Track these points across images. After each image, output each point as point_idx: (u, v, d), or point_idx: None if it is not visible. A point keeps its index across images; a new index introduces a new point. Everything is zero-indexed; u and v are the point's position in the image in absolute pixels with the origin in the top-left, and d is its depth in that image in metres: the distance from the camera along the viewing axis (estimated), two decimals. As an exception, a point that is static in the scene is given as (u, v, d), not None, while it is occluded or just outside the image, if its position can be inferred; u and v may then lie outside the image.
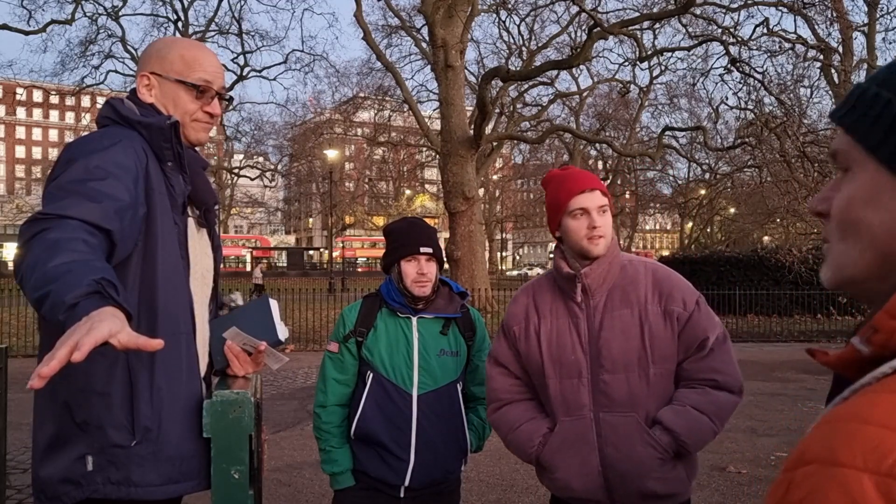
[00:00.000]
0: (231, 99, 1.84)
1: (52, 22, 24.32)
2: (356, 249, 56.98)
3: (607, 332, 1.91)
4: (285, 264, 56.42)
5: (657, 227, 67.25)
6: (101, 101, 39.90)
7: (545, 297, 2.04)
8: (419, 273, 2.28)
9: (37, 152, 74.00)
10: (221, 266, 1.91)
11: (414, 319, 2.32)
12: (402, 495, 2.28)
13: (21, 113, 67.48)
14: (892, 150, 0.60)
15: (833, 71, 20.75)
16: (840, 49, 21.21)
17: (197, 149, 1.79)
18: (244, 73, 29.23)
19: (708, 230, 42.06)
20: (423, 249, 2.29)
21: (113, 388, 1.50)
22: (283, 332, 1.74)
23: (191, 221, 1.67)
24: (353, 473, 2.32)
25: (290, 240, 75.35)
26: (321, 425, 2.34)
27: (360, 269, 45.41)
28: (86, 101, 36.40)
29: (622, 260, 2.00)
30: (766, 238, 33.10)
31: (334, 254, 46.62)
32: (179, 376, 1.58)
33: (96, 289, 1.17)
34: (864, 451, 0.50)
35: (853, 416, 0.53)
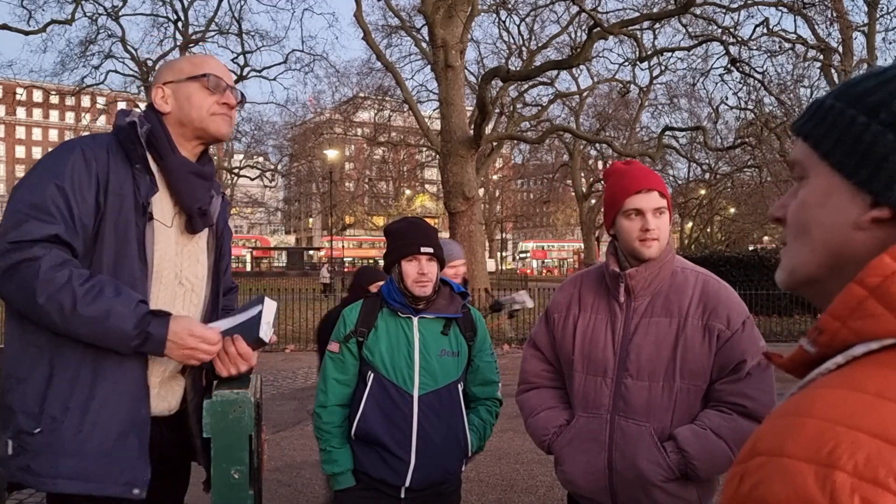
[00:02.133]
0: (243, 96, 1.85)
1: (52, 22, 24.29)
2: (343, 249, 56.69)
3: (640, 337, 1.88)
4: (285, 264, 56.38)
5: (657, 227, 67.09)
6: (101, 101, 39.95)
7: (590, 290, 2.02)
8: (420, 273, 2.27)
9: (37, 152, 74.00)
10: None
11: (415, 319, 2.32)
12: (402, 496, 2.27)
13: (21, 113, 67.49)
14: (842, 155, 0.65)
15: (833, 71, 20.75)
16: (840, 49, 21.21)
17: (226, 167, 1.84)
18: (244, 73, 29.20)
19: (708, 230, 42.06)
20: (423, 249, 2.28)
21: (33, 375, 1.55)
22: (266, 333, 1.71)
23: (157, 224, 1.68)
24: (353, 474, 2.31)
25: (290, 240, 75.28)
26: (322, 425, 2.34)
27: (345, 269, 45.49)
28: (86, 101, 36.45)
29: (674, 266, 1.94)
30: (766, 238, 33.12)
31: (322, 253, 46.48)
32: (110, 376, 1.58)
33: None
34: (806, 443, 0.54)
35: (797, 411, 0.57)
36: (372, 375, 2.28)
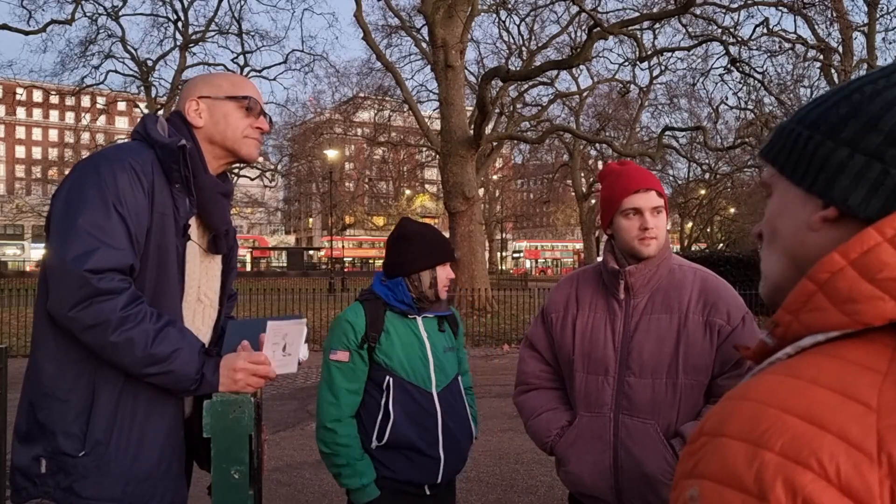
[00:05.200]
0: (271, 120, 1.87)
1: (52, 22, 24.33)
2: (343, 249, 56.54)
3: (641, 334, 1.88)
4: (285, 264, 56.38)
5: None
6: (101, 101, 39.93)
7: (588, 288, 2.02)
8: (448, 278, 2.33)
9: (37, 152, 73.96)
10: None
11: (419, 319, 2.33)
12: (427, 493, 2.28)
13: (21, 113, 67.54)
14: (792, 166, 0.71)
15: (833, 71, 20.75)
16: (840, 49, 21.22)
17: (232, 169, 1.83)
18: (244, 74, 29.20)
19: (708, 230, 42.06)
20: (454, 255, 2.35)
21: (74, 396, 1.52)
22: (303, 353, 1.75)
23: (192, 245, 1.68)
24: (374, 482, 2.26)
25: (290, 240, 75.26)
26: (340, 440, 2.22)
27: (345, 269, 45.39)
28: (86, 101, 36.41)
29: (672, 263, 1.95)
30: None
31: (319, 253, 46.48)
32: (150, 398, 1.57)
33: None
34: (741, 423, 0.57)
35: (740, 395, 0.61)
36: (391, 380, 2.23)
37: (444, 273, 2.32)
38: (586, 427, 1.93)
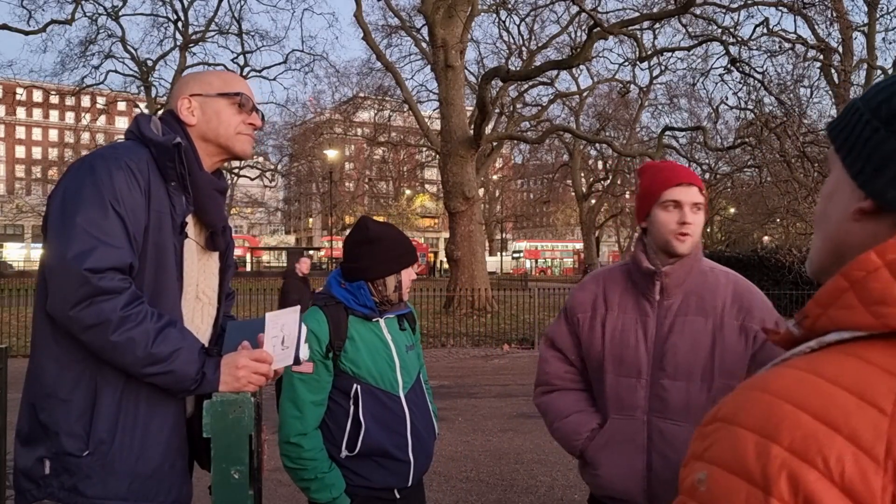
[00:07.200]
0: (264, 117, 1.87)
1: (52, 22, 24.32)
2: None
3: (676, 336, 1.84)
4: (285, 264, 56.33)
5: (657, 227, 66.87)
6: (101, 101, 39.95)
7: (616, 288, 1.96)
8: (411, 279, 2.28)
9: (37, 152, 73.93)
10: None
11: (381, 321, 2.26)
12: (397, 496, 2.25)
13: (21, 113, 67.52)
14: (848, 148, 0.67)
15: (833, 71, 20.73)
16: (840, 49, 21.20)
17: (226, 167, 1.82)
18: (244, 74, 29.19)
19: (708, 230, 42.05)
20: (417, 256, 2.31)
21: (76, 396, 1.52)
22: (304, 352, 1.74)
23: (189, 242, 1.68)
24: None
25: (290, 240, 75.24)
26: (306, 454, 2.15)
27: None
28: (86, 101, 36.43)
29: (704, 266, 1.92)
30: (766, 238, 33.11)
31: (319, 253, 46.58)
32: (152, 396, 1.57)
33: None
34: (756, 415, 0.58)
35: (758, 386, 0.61)
36: (359, 388, 2.16)
37: (409, 276, 2.26)
38: (618, 430, 1.88)
